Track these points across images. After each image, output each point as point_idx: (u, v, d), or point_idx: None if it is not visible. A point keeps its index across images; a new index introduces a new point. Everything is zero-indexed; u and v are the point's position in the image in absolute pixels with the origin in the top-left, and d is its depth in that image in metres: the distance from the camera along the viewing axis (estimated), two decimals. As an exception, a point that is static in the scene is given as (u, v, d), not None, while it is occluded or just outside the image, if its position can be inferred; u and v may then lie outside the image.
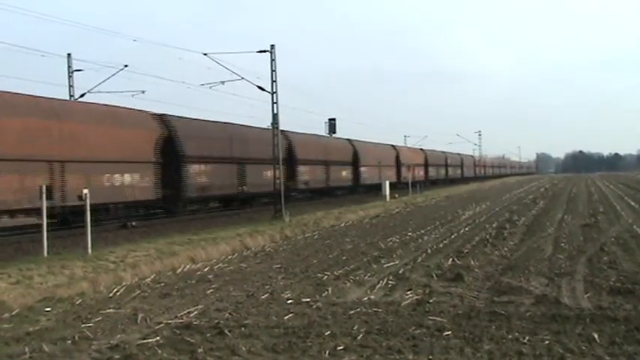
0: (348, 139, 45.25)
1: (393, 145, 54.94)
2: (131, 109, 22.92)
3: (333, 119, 44.32)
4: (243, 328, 7.20)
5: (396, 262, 12.00)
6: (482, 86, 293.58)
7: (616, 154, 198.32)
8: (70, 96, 26.55)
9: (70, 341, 6.84)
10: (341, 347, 6.30)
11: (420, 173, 57.44)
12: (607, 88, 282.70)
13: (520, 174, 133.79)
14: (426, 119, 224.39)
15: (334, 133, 44.11)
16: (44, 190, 12.90)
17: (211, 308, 8.42)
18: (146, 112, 23.69)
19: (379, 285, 9.72)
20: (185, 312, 8.15)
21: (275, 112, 24.08)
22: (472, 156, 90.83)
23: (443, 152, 73.05)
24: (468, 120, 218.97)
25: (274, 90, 23.85)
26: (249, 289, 9.80)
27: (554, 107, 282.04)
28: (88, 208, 13.29)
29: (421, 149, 63.45)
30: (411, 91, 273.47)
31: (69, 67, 26.83)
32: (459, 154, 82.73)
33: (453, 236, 16.47)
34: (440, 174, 68.06)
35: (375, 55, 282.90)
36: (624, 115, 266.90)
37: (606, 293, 8.65)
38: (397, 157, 53.30)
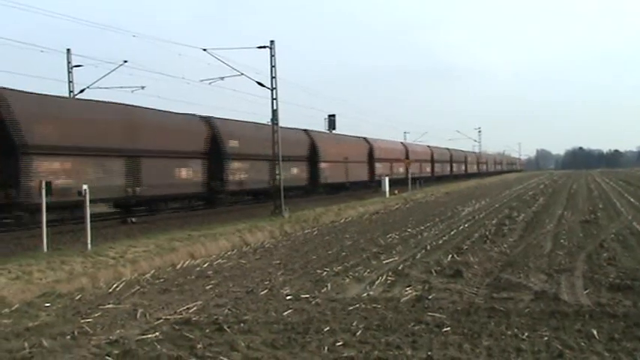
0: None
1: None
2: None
3: (333, 115, 44.28)
4: (242, 324, 7.20)
5: (396, 259, 12.00)
6: (483, 83, 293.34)
7: (616, 151, 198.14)
8: (70, 91, 26.52)
9: (69, 336, 6.85)
10: (340, 343, 6.31)
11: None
12: (607, 85, 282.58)
13: (493, 173, 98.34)
14: (426, 116, 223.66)
15: (334, 129, 44.05)
16: (44, 185, 12.89)
17: (210, 304, 8.43)
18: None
19: (378, 281, 9.73)
20: (184, 308, 8.16)
21: (275, 108, 24.06)
22: (402, 142, 57.89)
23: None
24: (468, 117, 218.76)
25: (274, 86, 23.81)
26: (249, 284, 9.81)
27: (555, 104, 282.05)
28: (87, 204, 13.29)
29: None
30: (411, 88, 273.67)
31: (68, 62, 26.78)
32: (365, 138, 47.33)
33: (452, 232, 16.48)
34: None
35: (375, 52, 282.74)
36: (624, 112, 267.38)
37: (605, 290, 8.66)
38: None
